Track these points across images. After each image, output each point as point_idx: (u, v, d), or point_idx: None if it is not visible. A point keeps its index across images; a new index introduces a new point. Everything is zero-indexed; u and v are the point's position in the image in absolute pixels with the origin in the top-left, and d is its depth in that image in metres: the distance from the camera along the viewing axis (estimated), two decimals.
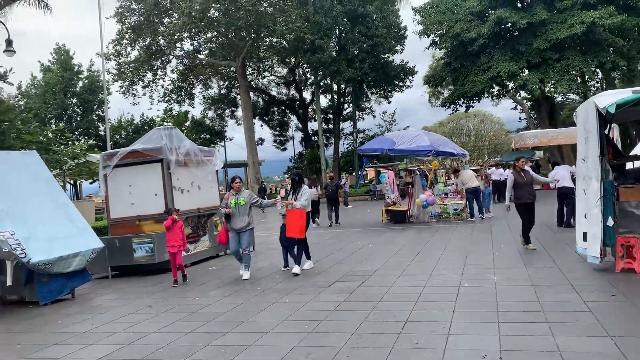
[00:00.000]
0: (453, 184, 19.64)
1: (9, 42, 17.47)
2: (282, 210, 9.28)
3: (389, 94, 44.39)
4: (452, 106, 38.94)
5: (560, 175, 12.30)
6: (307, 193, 9.09)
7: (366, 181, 44.19)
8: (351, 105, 45.43)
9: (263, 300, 7.16)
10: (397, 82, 42.25)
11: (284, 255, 9.49)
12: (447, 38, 33.43)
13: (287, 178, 53.72)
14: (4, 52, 16.67)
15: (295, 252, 9.15)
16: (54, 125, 42.32)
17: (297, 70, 49.37)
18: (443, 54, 38.43)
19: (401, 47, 40.48)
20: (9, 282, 7.90)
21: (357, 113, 46.47)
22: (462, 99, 37.58)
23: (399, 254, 10.36)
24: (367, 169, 48.81)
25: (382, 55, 39.22)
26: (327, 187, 18.04)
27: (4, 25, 16.59)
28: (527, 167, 10.18)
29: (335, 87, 44.86)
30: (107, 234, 11.04)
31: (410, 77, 42.30)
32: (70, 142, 26.58)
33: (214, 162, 12.23)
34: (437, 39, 36.43)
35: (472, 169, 20.41)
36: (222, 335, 5.55)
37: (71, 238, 8.44)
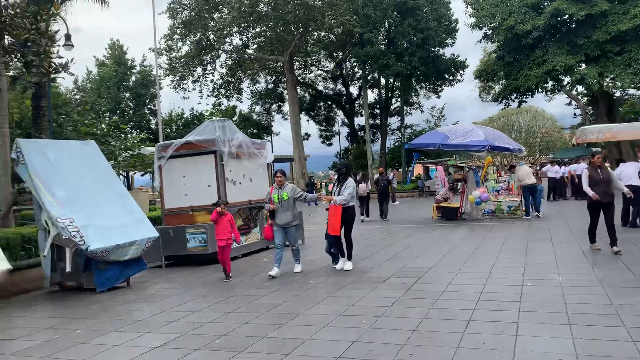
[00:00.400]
0: (504, 180, 19.05)
1: (67, 37, 18.04)
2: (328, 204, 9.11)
3: (439, 88, 43.55)
4: (504, 101, 37.85)
5: (626, 173, 11.65)
6: (351, 187, 8.51)
7: (412, 177, 43.60)
8: (399, 100, 44.86)
9: (316, 293, 7.04)
10: (447, 76, 41.39)
11: (329, 251, 9.06)
12: (500, 31, 32.40)
13: (332, 173, 53.58)
14: (62, 46, 17.21)
15: (333, 249, 8.86)
16: (107, 119, 43.66)
17: (344, 64, 49.15)
18: (495, 47, 37.36)
19: (452, 40, 39.62)
20: (67, 269, 8.09)
21: (405, 108, 45.85)
22: (515, 94, 36.43)
23: (454, 251, 10.05)
24: (415, 165, 48.14)
25: (432, 49, 38.47)
26: (377, 182, 17.92)
27: (63, 20, 17.10)
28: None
29: (383, 81, 44.35)
30: (161, 224, 11.19)
31: (460, 71, 41.37)
32: (122, 135, 27.28)
33: (265, 155, 12.22)
34: (489, 32, 35.45)
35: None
36: (278, 328, 5.46)
37: (128, 227, 8.57)
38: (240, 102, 50.63)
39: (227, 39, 42.00)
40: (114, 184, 9.30)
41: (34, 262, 8.93)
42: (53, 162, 8.39)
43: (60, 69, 8.08)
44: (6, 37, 7.71)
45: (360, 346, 4.71)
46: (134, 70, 49.53)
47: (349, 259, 8.81)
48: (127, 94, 48.93)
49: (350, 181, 8.65)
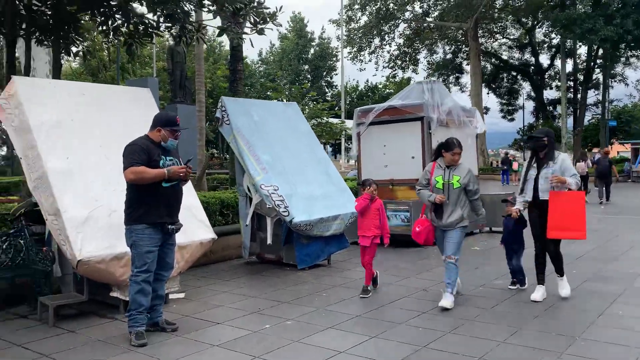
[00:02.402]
0: None
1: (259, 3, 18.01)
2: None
3: None
4: None
5: None
6: (569, 162, 5.54)
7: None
8: (600, 70, 39.09)
9: (585, 307, 5.28)
10: None
11: (513, 265, 6.07)
12: None
13: (508, 152, 49.04)
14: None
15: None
16: (287, 91, 45.02)
17: (533, 31, 44.36)
18: None
19: None
20: (268, 241, 7.36)
21: (608, 80, 39.87)
22: None
23: None
24: (609, 146, 42.11)
25: None
26: (598, 162, 15.51)
27: None
28: None
29: (581, 49, 38.99)
30: (355, 196, 10.16)
31: None
32: (305, 104, 27.40)
33: (475, 124, 10.50)
34: None
35: None
36: (557, 357, 3.89)
37: (330, 198, 7.58)
38: (416, 73, 48.67)
39: (408, 7, 40.28)
40: (316, 149, 8.38)
41: (232, 229, 8.45)
42: (257, 123, 7.66)
43: (268, 19, 7.22)
44: None
45: None
46: (313, 43, 50.32)
47: (559, 273, 5.62)
48: (306, 67, 49.95)
49: (565, 157, 5.58)
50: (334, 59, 50.91)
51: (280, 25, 7.58)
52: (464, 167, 5.53)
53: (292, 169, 7.46)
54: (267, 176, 7.02)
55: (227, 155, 32.30)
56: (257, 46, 61.77)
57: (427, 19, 42.12)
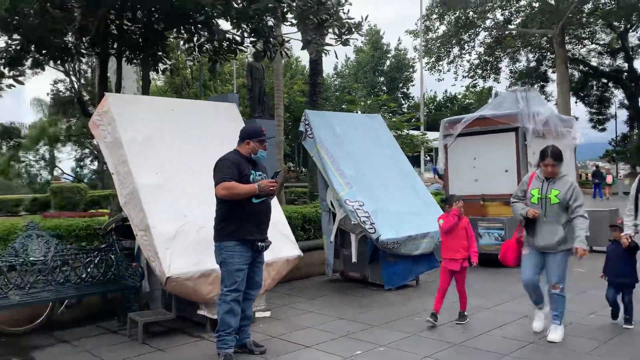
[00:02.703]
0: None
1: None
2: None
3: None
4: None
5: None
6: None
7: None
8: None
9: None
10: None
11: (612, 299, 5.38)
12: None
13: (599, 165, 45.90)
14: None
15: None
16: (362, 103, 44.82)
17: (626, 35, 41.58)
18: None
19: None
20: (353, 259, 7.08)
21: None
22: None
23: None
24: None
25: None
26: None
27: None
28: None
29: None
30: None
31: None
32: (382, 115, 27.07)
33: (573, 135, 9.74)
34: None
35: None
36: None
37: (418, 215, 7.19)
38: (498, 82, 46.88)
39: (489, 15, 39.03)
40: (401, 162, 8.05)
41: (314, 245, 8.24)
42: (340, 136, 7.45)
43: (353, 29, 7.00)
44: None
45: None
46: (389, 55, 49.92)
47: None
48: (382, 79, 49.58)
49: None
50: (411, 70, 50.20)
51: (366, 35, 7.34)
52: (565, 180, 4.84)
53: (376, 184, 7.17)
54: (351, 191, 6.76)
55: (304, 169, 32.52)
56: (333, 60, 62.15)
57: (509, 26, 40.60)
